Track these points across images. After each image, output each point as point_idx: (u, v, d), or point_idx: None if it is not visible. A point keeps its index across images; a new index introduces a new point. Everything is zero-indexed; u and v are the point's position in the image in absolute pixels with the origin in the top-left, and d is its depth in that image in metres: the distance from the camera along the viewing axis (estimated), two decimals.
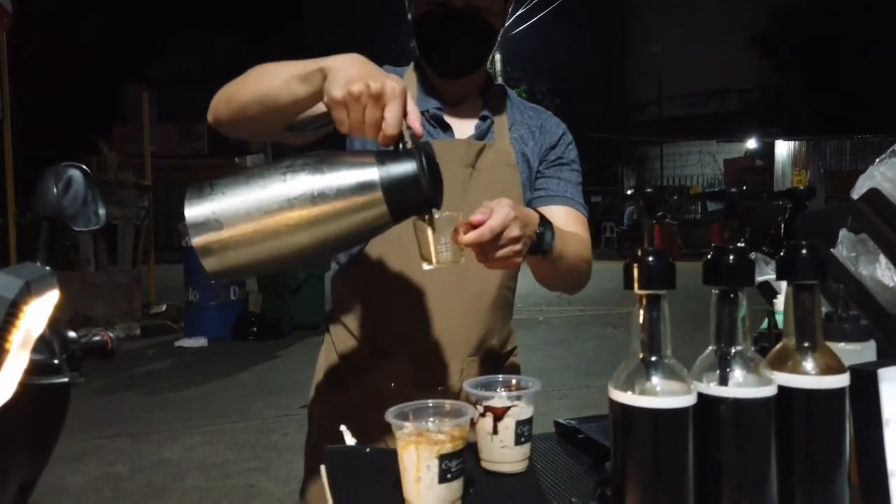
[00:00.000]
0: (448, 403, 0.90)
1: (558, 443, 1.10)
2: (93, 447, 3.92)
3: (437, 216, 0.94)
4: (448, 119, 1.32)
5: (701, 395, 0.74)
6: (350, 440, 1.08)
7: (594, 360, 6.03)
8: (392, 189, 0.88)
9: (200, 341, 7.26)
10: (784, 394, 0.76)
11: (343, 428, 1.09)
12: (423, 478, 0.82)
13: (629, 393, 0.72)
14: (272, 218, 0.88)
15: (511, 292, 1.37)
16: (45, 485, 3.12)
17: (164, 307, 8.92)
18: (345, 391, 1.31)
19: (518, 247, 1.02)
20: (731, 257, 0.75)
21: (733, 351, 0.76)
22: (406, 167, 0.90)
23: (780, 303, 1.12)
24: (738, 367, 0.75)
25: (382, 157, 0.91)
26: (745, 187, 0.69)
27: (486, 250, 1.00)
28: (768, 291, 1.21)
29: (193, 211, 0.90)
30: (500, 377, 1.02)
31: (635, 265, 0.73)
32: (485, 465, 0.98)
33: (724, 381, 0.74)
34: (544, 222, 1.09)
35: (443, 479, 0.82)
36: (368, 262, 1.29)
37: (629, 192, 0.77)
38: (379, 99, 0.91)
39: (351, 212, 0.88)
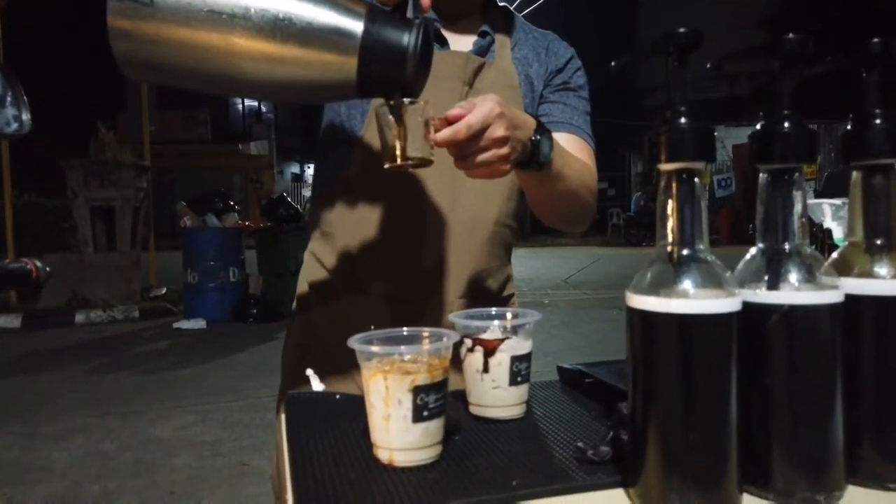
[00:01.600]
0: (426, 330, 0.73)
1: (562, 390, 0.94)
2: (81, 425, 3.78)
3: (407, 105, 0.77)
4: (445, 33, 1.16)
5: (746, 304, 0.57)
6: (317, 385, 0.92)
7: (599, 341, 5.86)
8: (371, 51, 0.72)
9: (199, 323, 7.11)
10: (851, 304, 0.59)
11: (310, 372, 0.94)
12: (394, 416, 0.66)
13: (654, 298, 0.55)
14: (217, 23, 0.70)
15: (510, 232, 1.20)
16: (29, 462, 2.97)
17: (163, 290, 8.78)
18: (317, 332, 1.15)
19: (503, 151, 0.84)
20: (787, 125, 0.58)
21: (787, 248, 0.59)
22: (397, 35, 0.73)
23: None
24: (794, 268, 0.58)
25: (376, 13, 0.74)
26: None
27: (463, 152, 0.83)
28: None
29: None
30: (494, 309, 0.86)
31: (663, 131, 0.56)
32: (474, 410, 0.82)
33: (775, 284, 0.58)
34: (542, 129, 0.92)
35: (418, 417, 0.66)
36: (346, 185, 1.12)
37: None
38: None
39: (312, 58, 0.71)
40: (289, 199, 8.01)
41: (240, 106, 25.01)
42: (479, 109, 0.82)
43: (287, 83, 0.74)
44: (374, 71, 0.73)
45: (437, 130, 0.80)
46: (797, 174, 0.58)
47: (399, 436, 0.66)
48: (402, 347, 0.68)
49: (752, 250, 0.61)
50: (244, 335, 6.55)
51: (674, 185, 0.56)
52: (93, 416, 3.95)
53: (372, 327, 1.02)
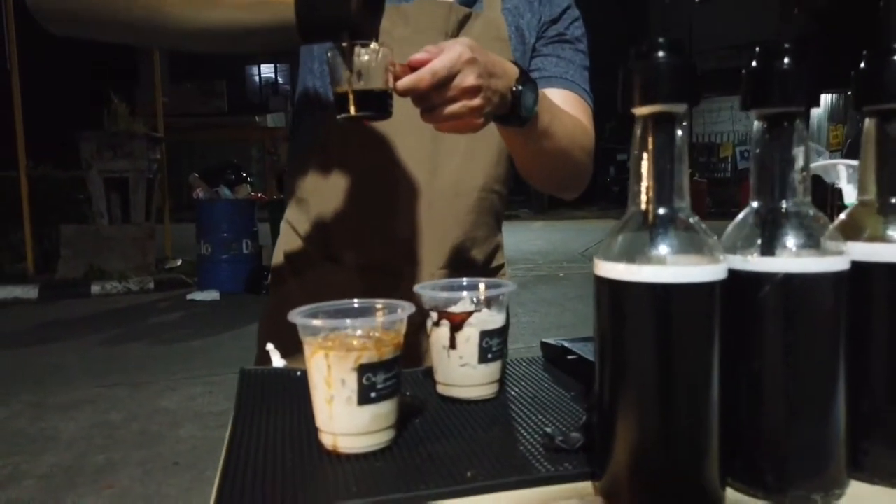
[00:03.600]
0: (380, 302, 0.66)
1: (545, 368, 0.86)
2: (90, 395, 3.79)
3: (359, 49, 0.68)
4: None
5: (733, 273, 0.49)
6: (278, 361, 0.85)
7: None
8: None
9: (212, 294, 7.12)
10: (859, 272, 0.50)
11: (270, 347, 0.87)
12: (337, 398, 0.59)
13: (624, 264, 0.47)
14: None
15: (499, 198, 1.12)
16: (37, 432, 2.98)
17: (178, 262, 8.81)
18: (290, 305, 1.08)
19: (475, 102, 0.75)
20: (787, 61, 0.49)
21: (784, 207, 0.50)
22: None
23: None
24: (792, 231, 0.50)
25: None
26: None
27: (428, 103, 0.74)
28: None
29: None
30: (465, 280, 0.78)
31: (636, 67, 0.47)
32: (441, 389, 0.75)
33: (769, 249, 0.49)
34: (524, 79, 0.83)
35: (364, 398, 0.58)
36: (320, 148, 1.04)
37: None
38: None
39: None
40: None
41: (256, 78, 24.90)
42: (447, 54, 0.72)
43: (217, 28, 0.66)
44: (315, 8, 0.64)
45: (398, 78, 0.71)
46: (798, 121, 0.49)
47: (343, 420, 0.59)
48: (348, 321, 0.61)
49: (744, 211, 0.52)
50: (257, 306, 6.54)
51: (650, 132, 0.48)
52: (102, 387, 3.96)
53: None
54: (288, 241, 1.12)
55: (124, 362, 4.57)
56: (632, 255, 0.47)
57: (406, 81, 0.71)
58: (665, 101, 0.47)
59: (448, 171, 1.03)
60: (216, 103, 21.74)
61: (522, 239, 11.72)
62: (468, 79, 0.73)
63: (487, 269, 1.14)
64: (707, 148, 21.11)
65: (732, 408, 0.49)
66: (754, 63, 0.49)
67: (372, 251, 1.03)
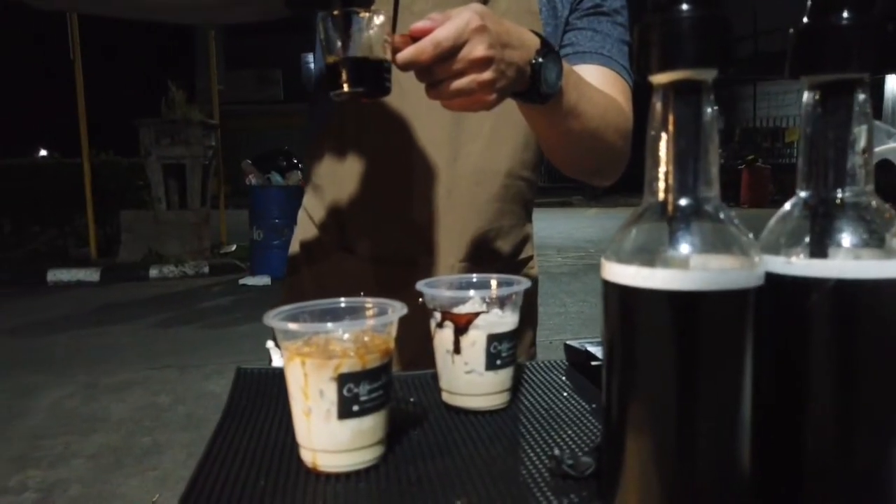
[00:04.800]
0: (370, 301, 0.59)
1: (567, 374, 0.78)
2: (140, 378, 3.88)
3: (353, 17, 0.61)
4: None
5: (773, 278, 0.40)
6: (277, 360, 0.80)
7: None
8: None
9: (264, 280, 7.23)
10: None
11: (270, 345, 0.82)
12: (315, 410, 0.52)
13: (636, 266, 0.39)
14: None
15: (527, 185, 1.03)
16: (89, 412, 3.05)
17: (233, 247, 8.99)
18: (302, 297, 1.02)
19: (486, 76, 0.66)
20: (846, 16, 0.39)
21: (840, 197, 0.41)
22: None
23: None
24: (849, 226, 0.40)
25: None
26: None
27: (432, 77, 0.66)
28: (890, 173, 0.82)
29: None
30: (475, 276, 0.70)
31: (653, 23, 0.39)
32: (445, 397, 0.67)
33: (820, 248, 0.40)
34: (546, 50, 0.74)
35: (345, 412, 0.52)
36: (336, 132, 0.98)
37: None
38: None
39: None
40: None
41: (312, 65, 25.19)
42: (452, 22, 0.64)
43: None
44: None
45: (398, 50, 0.64)
46: (859, 91, 0.40)
47: (322, 435, 0.52)
48: (329, 325, 0.54)
49: (790, 201, 0.43)
50: None
51: (670, 105, 0.39)
52: (152, 369, 4.05)
53: (361, 294, 0.87)
54: (304, 229, 1.06)
55: (175, 345, 4.66)
56: (646, 255, 0.39)
57: (406, 53, 0.63)
58: (689, 66, 0.38)
59: (470, 155, 0.95)
60: (272, 91, 22.08)
61: (575, 226, 11.49)
62: (477, 49, 0.65)
63: (514, 261, 1.06)
64: (772, 133, 20.26)
65: (767, 438, 0.41)
66: (805, 19, 0.40)
67: (386, 241, 0.96)
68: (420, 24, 0.64)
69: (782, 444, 0.42)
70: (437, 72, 0.65)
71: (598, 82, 0.94)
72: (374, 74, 0.63)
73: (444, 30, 0.64)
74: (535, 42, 0.73)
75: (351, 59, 0.61)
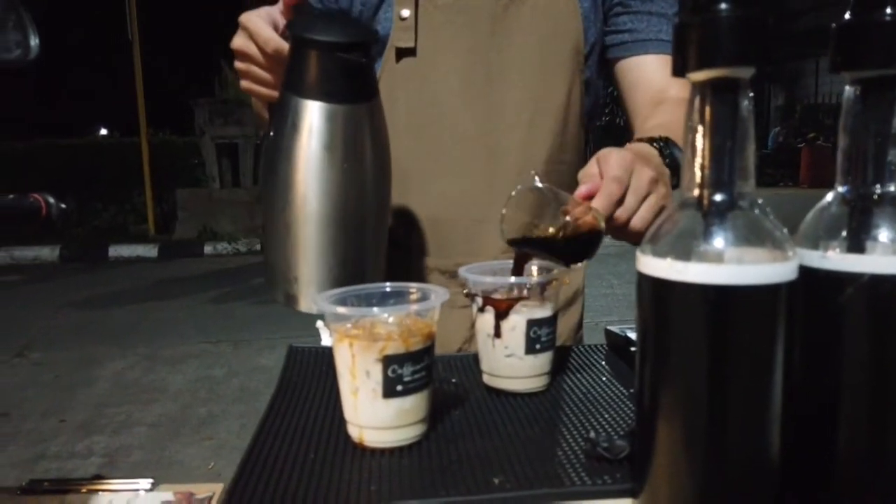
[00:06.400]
0: (414, 286, 0.61)
1: (607, 358, 0.79)
2: (196, 351, 4.04)
3: (514, 194, 0.68)
4: None
5: (807, 272, 0.40)
6: (326, 339, 0.84)
7: None
8: None
9: None
10: None
11: (319, 324, 0.86)
12: (362, 389, 0.55)
13: (670, 259, 0.40)
14: None
15: (568, 168, 1.03)
16: (149, 383, 3.19)
17: None
18: None
19: (662, 189, 0.70)
20: (889, 12, 0.39)
21: (878, 192, 0.41)
22: None
23: None
24: (886, 222, 0.41)
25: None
26: None
27: (628, 212, 0.68)
28: None
29: None
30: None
31: (690, 21, 0.39)
32: (486, 379, 0.70)
33: (857, 243, 0.40)
34: (658, 138, 0.78)
35: (390, 391, 0.55)
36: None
37: None
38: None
39: None
40: None
41: None
42: (609, 161, 0.68)
43: None
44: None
45: (578, 218, 0.65)
46: None
47: (368, 413, 0.55)
48: (375, 309, 0.57)
49: (829, 196, 0.43)
50: None
51: (707, 102, 0.40)
52: (207, 343, 4.20)
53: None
54: None
55: (229, 320, 4.82)
56: (680, 248, 0.40)
57: (602, 200, 0.66)
58: (725, 64, 0.38)
59: (509, 149, 0.96)
60: None
61: None
62: (645, 173, 0.69)
63: None
64: (835, 109, 19.43)
65: (800, 434, 0.41)
66: (847, 15, 0.40)
67: (430, 239, 0.99)
68: (583, 188, 0.68)
69: (814, 438, 0.43)
70: (630, 205, 0.68)
71: (664, 72, 0.94)
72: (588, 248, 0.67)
73: (612, 168, 0.67)
74: (642, 145, 0.77)
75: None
